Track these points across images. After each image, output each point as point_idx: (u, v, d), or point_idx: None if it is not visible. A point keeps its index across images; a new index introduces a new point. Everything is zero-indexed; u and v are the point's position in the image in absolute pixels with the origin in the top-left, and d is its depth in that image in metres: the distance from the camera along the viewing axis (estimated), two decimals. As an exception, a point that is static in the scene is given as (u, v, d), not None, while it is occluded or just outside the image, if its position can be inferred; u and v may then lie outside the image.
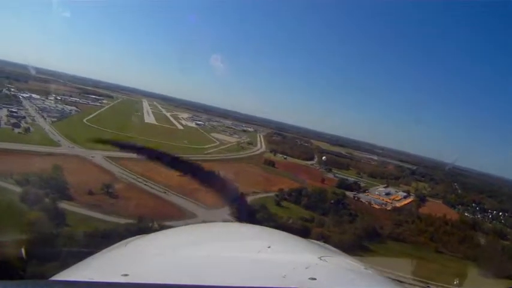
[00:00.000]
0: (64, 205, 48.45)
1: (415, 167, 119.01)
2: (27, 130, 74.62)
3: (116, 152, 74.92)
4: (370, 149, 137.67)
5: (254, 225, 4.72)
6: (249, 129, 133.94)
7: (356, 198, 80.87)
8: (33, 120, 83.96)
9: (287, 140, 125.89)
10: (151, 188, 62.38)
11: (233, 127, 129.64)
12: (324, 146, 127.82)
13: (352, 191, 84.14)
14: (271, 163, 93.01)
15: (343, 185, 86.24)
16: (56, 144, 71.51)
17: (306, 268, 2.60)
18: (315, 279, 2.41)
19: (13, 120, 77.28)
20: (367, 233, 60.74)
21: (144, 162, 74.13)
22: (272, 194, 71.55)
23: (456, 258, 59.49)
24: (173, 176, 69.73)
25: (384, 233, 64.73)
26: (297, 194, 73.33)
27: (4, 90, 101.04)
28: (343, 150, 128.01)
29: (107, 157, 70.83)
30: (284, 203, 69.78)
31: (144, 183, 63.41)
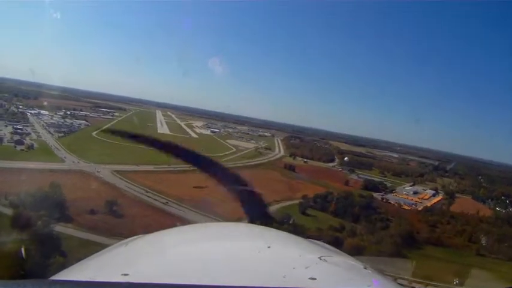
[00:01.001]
0: (60, 228, 41.85)
1: (437, 163, 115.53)
2: (30, 147, 69.74)
3: (124, 165, 69.08)
4: (389, 146, 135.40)
5: (254, 225, 4.49)
6: (266, 134, 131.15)
7: (384, 200, 77.03)
8: (38, 136, 79.43)
9: (305, 143, 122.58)
10: (162, 203, 55.33)
11: (249, 133, 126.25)
12: (344, 146, 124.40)
13: (379, 192, 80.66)
14: (291, 167, 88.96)
15: (369, 186, 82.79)
16: (59, 160, 65.98)
17: (306, 268, 2.58)
18: (315, 279, 2.36)
19: (17, 137, 72.65)
20: (403, 239, 56.32)
21: (155, 173, 68.20)
22: (296, 202, 66.72)
23: (500, 260, 54.87)
24: (187, 187, 63.21)
25: (420, 238, 60.39)
26: (322, 199, 68.60)
27: (12, 107, 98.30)
28: (363, 150, 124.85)
29: (115, 171, 64.66)
30: (310, 211, 64.82)
31: (154, 198, 56.50)
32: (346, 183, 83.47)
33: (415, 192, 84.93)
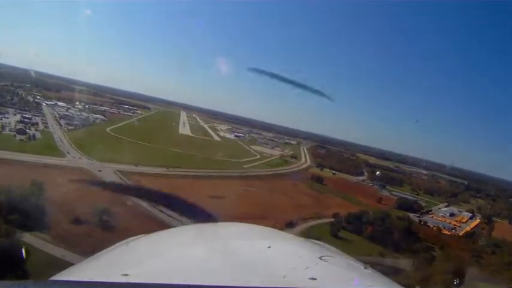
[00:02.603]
0: (29, 238, 32.02)
1: (466, 182, 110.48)
2: (31, 137, 62.02)
3: (132, 165, 59.62)
4: (416, 162, 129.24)
5: (254, 225, 4.35)
6: (292, 142, 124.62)
7: (423, 223, 71.57)
8: (46, 127, 72.12)
9: (332, 154, 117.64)
10: (168, 214, 44.66)
11: (275, 139, 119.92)
12: (371, 160, 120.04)
13: (414, 212, 74.99)
14: (319, 179, 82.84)
15: (403, 205, 76.85)
16: (59, 154, 57.46)
17: (306, 268, 2.59)
18: (315, 279, 2.38)
19: (20, 126, 65.31)
20: (454, 274, 45.21)
21: (164, 177, 58.16)
22: (326, 221, 59.64)
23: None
24: (202, 197, 52.54)
25: (471, 273, 48.14)
26: (356, 220, 61.00)
27: (28, 97, 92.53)
28: (390, 164, 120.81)
29: (118, 171, 55.19)
30: (343, 233, 57.12)
31: (160, 207, 46.12)
32: (379, 200, 77.58)
33: (452, 214, 79.14)
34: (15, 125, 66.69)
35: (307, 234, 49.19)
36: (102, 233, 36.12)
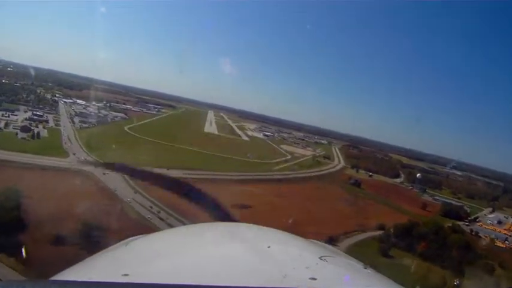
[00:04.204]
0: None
1: (501, 183, 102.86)
2: (35, 136, 54.86)
3: (146, 167, 50.71)
4: (447, 162, 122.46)
5: (254, 225, 4.21)
6: (323, 141, 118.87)
7: (474, 233, 63.27)
8: (57, 125, 65.35)
9: (365, 154, 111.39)
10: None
11: (305, 139, 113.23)
12: (404, 160, 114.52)
13: (461, 220, 67.38)
14: (357, 183, 75.97)
15: (450, 212, 69.44)
16: (61, 154, 49.64)
17: (306, 268, 2.56)
18: (315, 279, 2.34)
19: (25, 124, 58.57)
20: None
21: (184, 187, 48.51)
22: (372, 234, 51.85)
23: None
24: (224, 203, 42.49)
25: None
26: (406, 234, 51.85)
27: (46, 95, 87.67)
28: (424, 165, 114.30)
29: (127, 174, 46.32)
30: (393, 251, 48.07)
31: (168, 221, 36.31)
32: (424, 207, 70.50)
33: (499, 222, 71.56)
34: (22, 122, 60.22)
35: (353, 255, 37.96)
36: (86, 256, 26.60)
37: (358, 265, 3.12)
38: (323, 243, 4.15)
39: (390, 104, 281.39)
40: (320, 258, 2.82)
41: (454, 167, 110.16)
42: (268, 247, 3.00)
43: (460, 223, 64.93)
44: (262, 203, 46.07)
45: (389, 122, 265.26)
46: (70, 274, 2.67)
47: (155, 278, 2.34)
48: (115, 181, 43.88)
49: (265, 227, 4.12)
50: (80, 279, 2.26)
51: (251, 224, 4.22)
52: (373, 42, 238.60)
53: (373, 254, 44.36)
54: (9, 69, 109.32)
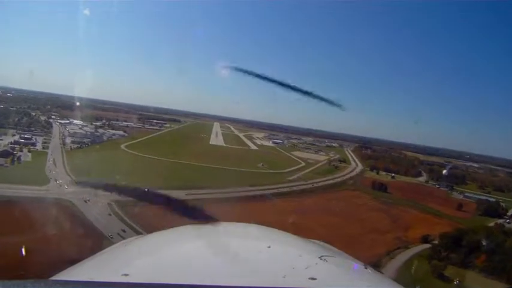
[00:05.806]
0: None
1: None
2: (15, 161, 48.74)
3: (139, 188, 43.61)
4: (460, 156, 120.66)
5: (254, 225, 4.22)
6: (334, 144, 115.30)
7: None
8: (45, 147, 59.37)
9: (379, 154, 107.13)
10: None
11: (315, 144, 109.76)
12: (420, 157, 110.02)
13: (499, 218, 60.91)
14: (382, 187, 70.20)
15: (488, 210, 63.52)
16: (39, 181, 42.92)
17: (306, 268, 2.57)
18: (315, 279, 2.35)
19: (5, 148, 52.70)
20: None
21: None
22: (417, 250, 44.95)
23: None
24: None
25: None
26: (454, 244, 43.66)
27: (40, 117, 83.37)
28: (441, 160, 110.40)
29: (116, 202, 39.13)
30: (449, 270, 39.89)
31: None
32: (459, 207, 65.03)
33: None
34: (5, 146, 54.38)
35: (403, 281, 29.61)
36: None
37: (358, 265, 3.06)
38: (323, 243, 3.92)
39: (392, 100, 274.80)
40: (320, 258, 2.77)
41: (470, 159, 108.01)
42: (268, 247, 2.96)
43: (501, 221, 59.43)
44: (284, 224, 38.02)
45: (393, 119, 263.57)
46: (70, 274, 2.63)
47: (155, 278, 2.30)
48: (97, 210, 36.66)
49: (265, 227, 3.98)
50: (80, 279, 2.23)
51: (251, 224, 4.09)
52: (373, 40, 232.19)
53: (425, 276, 38.45)
54: (9, 95, 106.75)
